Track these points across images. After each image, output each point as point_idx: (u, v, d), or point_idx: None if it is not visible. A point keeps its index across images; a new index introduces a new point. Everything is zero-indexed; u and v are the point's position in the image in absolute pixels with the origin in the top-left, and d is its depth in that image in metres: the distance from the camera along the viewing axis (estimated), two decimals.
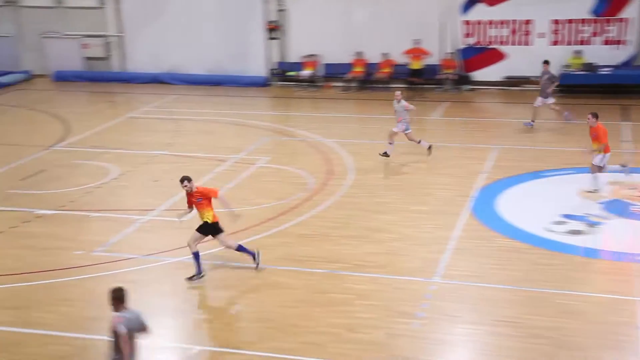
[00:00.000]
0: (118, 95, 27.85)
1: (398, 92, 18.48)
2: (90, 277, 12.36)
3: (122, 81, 29.56)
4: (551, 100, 21.08)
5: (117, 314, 8.06)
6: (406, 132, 18.36)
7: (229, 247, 12.41)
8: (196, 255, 12.13)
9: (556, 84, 21.23)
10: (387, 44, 26.91)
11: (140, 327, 8.29)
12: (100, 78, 29.87)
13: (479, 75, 26.72)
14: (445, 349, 10.23)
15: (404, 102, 18.22)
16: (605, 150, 15.42)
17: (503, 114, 22.33)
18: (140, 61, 29.93)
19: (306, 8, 28.14)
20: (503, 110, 22.73)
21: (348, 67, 27.48)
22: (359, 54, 27.30)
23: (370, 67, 27.31)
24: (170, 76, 29.39)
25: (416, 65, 26.45)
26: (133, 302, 11.44)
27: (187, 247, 12.21)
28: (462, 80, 26.76)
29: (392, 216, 14.92)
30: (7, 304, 11.39)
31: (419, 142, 18.59)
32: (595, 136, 15.43)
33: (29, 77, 30.54)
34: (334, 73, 27.90)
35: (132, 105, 26.16)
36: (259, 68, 28.86)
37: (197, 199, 12.15)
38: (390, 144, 18.34)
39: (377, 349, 10.11)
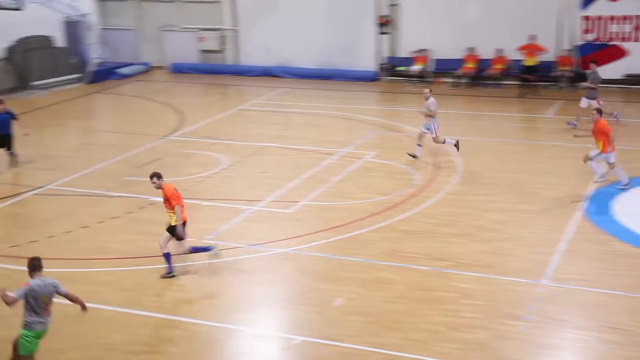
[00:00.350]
0: (230, 87, 28.48)
1: (427, 90, 18.00)
2: (199, 264, 12.67)
3: (235, 74, 30.22)
4: (590, 103, 19.98)
5: (28, 280, 8.87)
6: (425, 130, 17.82)
7: (183, 251, 12.18)
8: (167, 256, 12.07)
9: (592, 85, 20.16)
10: (500, 40, 26.29)
11: (52, 293, 8.95)
12: (214, 70, 30.66)
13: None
14: (551, 354, 9.89)
15: (430, 100, 17.65)
16: (603, 148, 15.32)
17: (621, 114, 21.31)
18: (252, 54, 30.51)
19: (418, 2, 27.86)
20: (621, 110, 21.70)
21: (459, 62, 27.04)
22: (470, 49, 26.80)
23: (482, 63, 26.77)
24: (281, 69, 29.80)
25: (530, 61, 25.70)
26: (239, 290, 11.69)
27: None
28: (579, 77, 25.79)
29: (500, 215, 14.57)
30: (119, 286, 11.86)
31: (419, 145, 18.00)
32: (594, 131, 15.54)
33: (148, 69, 31.71)
34: (445, 68, 27.51)
35: (244, 98, 26.69)
36: (368, 62, 28.81)
37: (163, 198, 12.08)
38: (444, 142, 17.94)
39: (481, 349, 9.89)
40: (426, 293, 11.50)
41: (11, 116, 18.34)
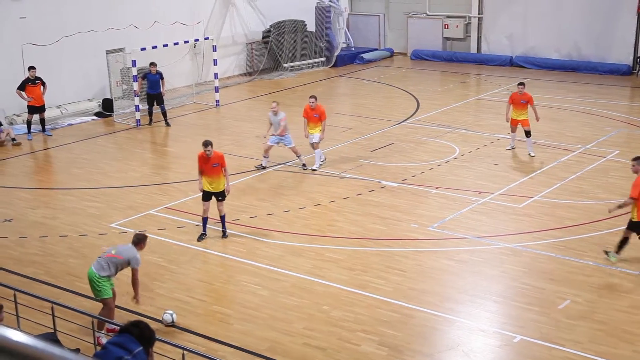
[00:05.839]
0: (470, 76, 28.05)
1: (274, 103, 17.02)
2: (423, 250, 12.72)
3: (477, 62, 29.71)
4: None
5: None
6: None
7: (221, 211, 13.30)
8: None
9: None
10: None
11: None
12: (456, 58, 30.35)
13: None
14: None
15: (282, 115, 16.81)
16: None
17: None
18: (496, 43, 29.78)
19: None
20: None
21: None
22: None
23: None
24: (525, 59, 28.80)
25: None
26: (458, 280, 11.53)
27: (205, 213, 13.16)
28: None
29: None
30: (345, 265, 12.22)
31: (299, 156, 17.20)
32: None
33: (390, 55, 32.16)
34: None
35: (483, 87, 26.18)
36: (622, 55, 26.90)
37: (214, 164, 13.03)
38: (265, 157, 17.14)
39: None
40: None
41: (160, 77, 21.30)
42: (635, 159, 11.85)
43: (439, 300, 10.98)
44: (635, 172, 11.74)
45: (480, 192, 15.30)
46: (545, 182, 15.77)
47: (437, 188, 15.65)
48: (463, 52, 30.61)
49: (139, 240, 10.11)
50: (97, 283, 9.81)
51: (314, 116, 16.98)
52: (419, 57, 31.17)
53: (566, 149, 18.07)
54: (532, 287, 11.33)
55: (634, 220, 11.63)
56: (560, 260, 12.18)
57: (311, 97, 17.20)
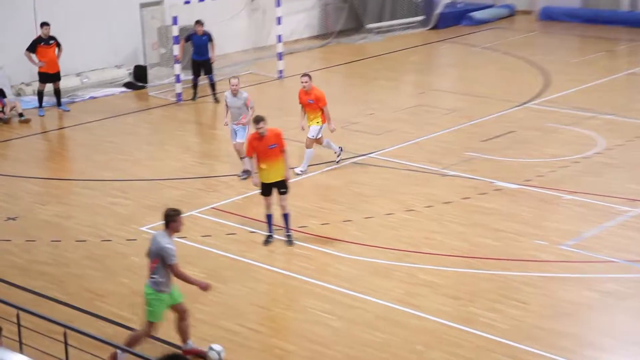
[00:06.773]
0: (621, 42, 27.50)
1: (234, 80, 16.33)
2: (553, 276, 12.46)
3: (630, 25, 29.09)
4: None
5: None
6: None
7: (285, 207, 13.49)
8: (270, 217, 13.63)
9: None
10: None
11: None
12: (599, 19, 29.72)
13: None
14: None
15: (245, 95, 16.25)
16: None
17: None
18: None
19: None
20: None
21: None
22: None
23: None
24: None
25: None
26: (602, 318, 11.24)
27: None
28: None
29: None
30: (447, 291, 12.03)
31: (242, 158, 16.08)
32: None
33: (512, 14, 31.75)
34: None
35: (638, 58, 25.59)
36: None
37: (271, 145, 13.21)
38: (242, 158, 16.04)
39: None
40: None
41: (209, 39, 21.44)
42: None
43: (575, 344, 10.72)
44: None
45: (633, 200, 14.91)
46: None
47: (572, 193, 15.33)
48: (612, 9, 29.93)
49: (168, 221, 10.12)
50: (149, 300, 10.08)
51: (309, 102, 16.29)
52: (549, 17, 30.74)
53: None
54: None
55: None
56: None
57: (303, 75, 16.30)
